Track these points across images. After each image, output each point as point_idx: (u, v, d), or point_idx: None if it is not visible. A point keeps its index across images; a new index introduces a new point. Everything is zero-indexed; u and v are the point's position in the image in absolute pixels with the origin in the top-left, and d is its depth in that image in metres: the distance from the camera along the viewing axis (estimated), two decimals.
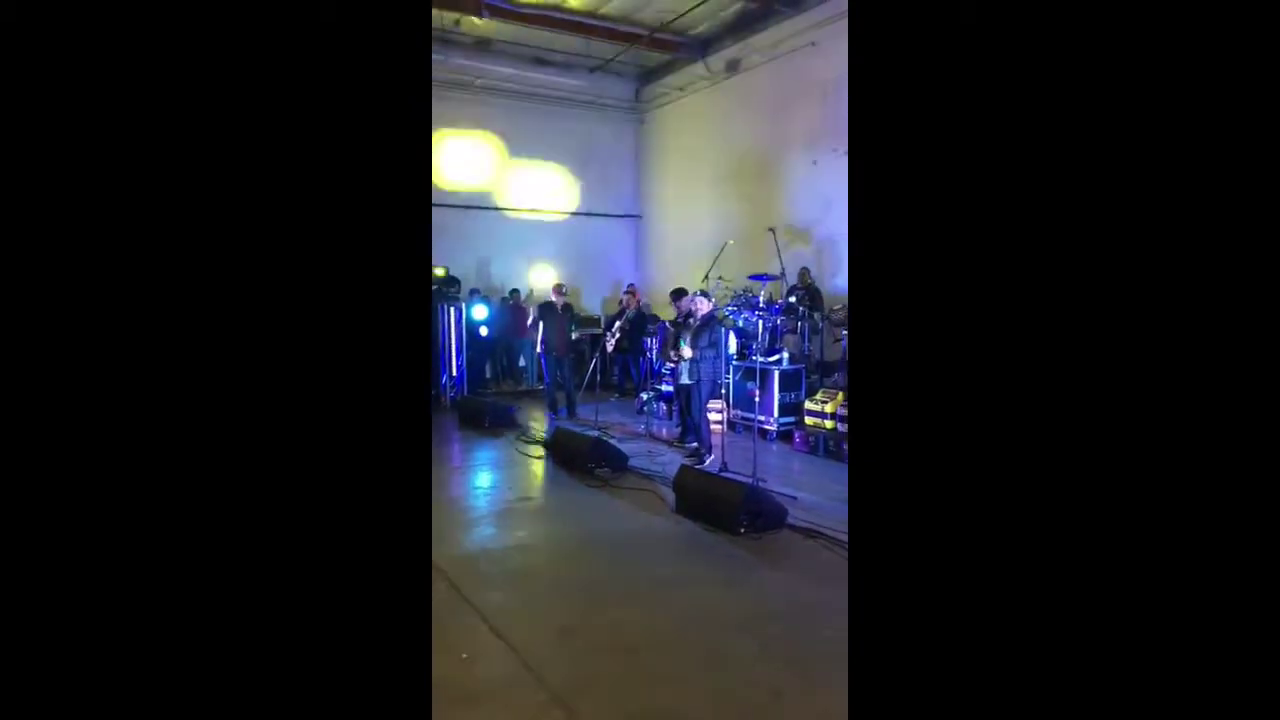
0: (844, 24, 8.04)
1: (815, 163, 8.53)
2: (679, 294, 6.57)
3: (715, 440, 6.12)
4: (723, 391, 7.00)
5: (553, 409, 8.03)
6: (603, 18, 9.38)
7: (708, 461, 5.83)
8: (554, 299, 8.06)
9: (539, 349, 8.01)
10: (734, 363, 7.14)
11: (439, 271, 9.33)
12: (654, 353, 8.38)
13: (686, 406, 6.17)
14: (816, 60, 8.46)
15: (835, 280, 8.04)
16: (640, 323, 8.88)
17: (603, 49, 10.21)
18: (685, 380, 6.02)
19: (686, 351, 5.86)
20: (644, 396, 7.94)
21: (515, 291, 10.40)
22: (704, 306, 6.05)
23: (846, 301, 6.97)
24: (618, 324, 8.49)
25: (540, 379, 9.02)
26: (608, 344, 8.24)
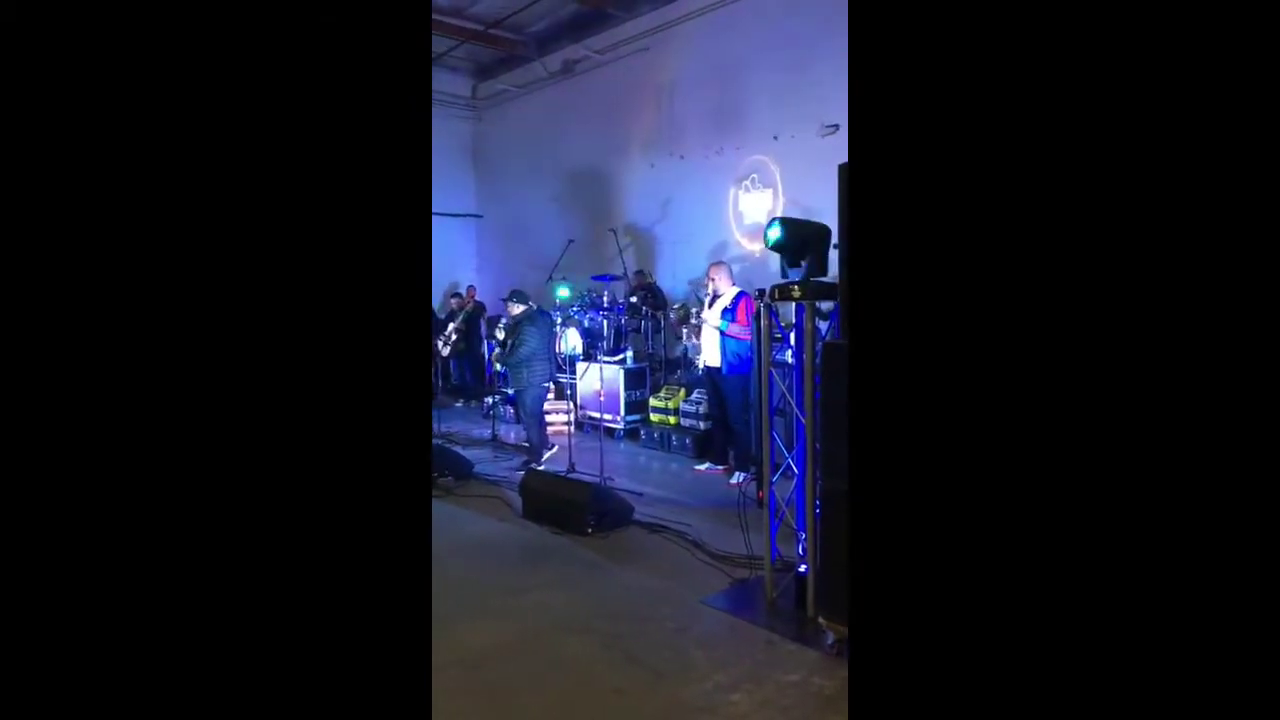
0: (675, 31, 8.33)
1: (653, 166, 8.75)
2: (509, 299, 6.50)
3: (561, 440, 6.11)
4: (569, 392, 7.02)
5: None
6: (436, 10, 9.06)
7: (545, 456, 5.83)
8: None
9: None
10: (579, 361, 7.16)
11: None
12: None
13: (519, 414, 6.09)
14: (651, 65, 8.68)
15: (675, 280, 8.29)
16: (476, 324, 8.68)
17: (436, 43, 9.87)
18: (513, 386, 5.93)
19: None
20: (490, 401, 7.78)
21: None
22: (515, 309, 5.89)
23: (685, 301, 7.23)
24: (452, 326, 8.24)
25: None
26: (441, 349, 7.97)
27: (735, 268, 7.37)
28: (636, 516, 4.37)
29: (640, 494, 4.88)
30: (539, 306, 6.22)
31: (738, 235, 7.70)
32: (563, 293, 7.64)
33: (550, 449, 5.91)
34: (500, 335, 6.25)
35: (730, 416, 5.34)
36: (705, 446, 5.96)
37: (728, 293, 5.28)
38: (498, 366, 5.87)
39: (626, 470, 5.69)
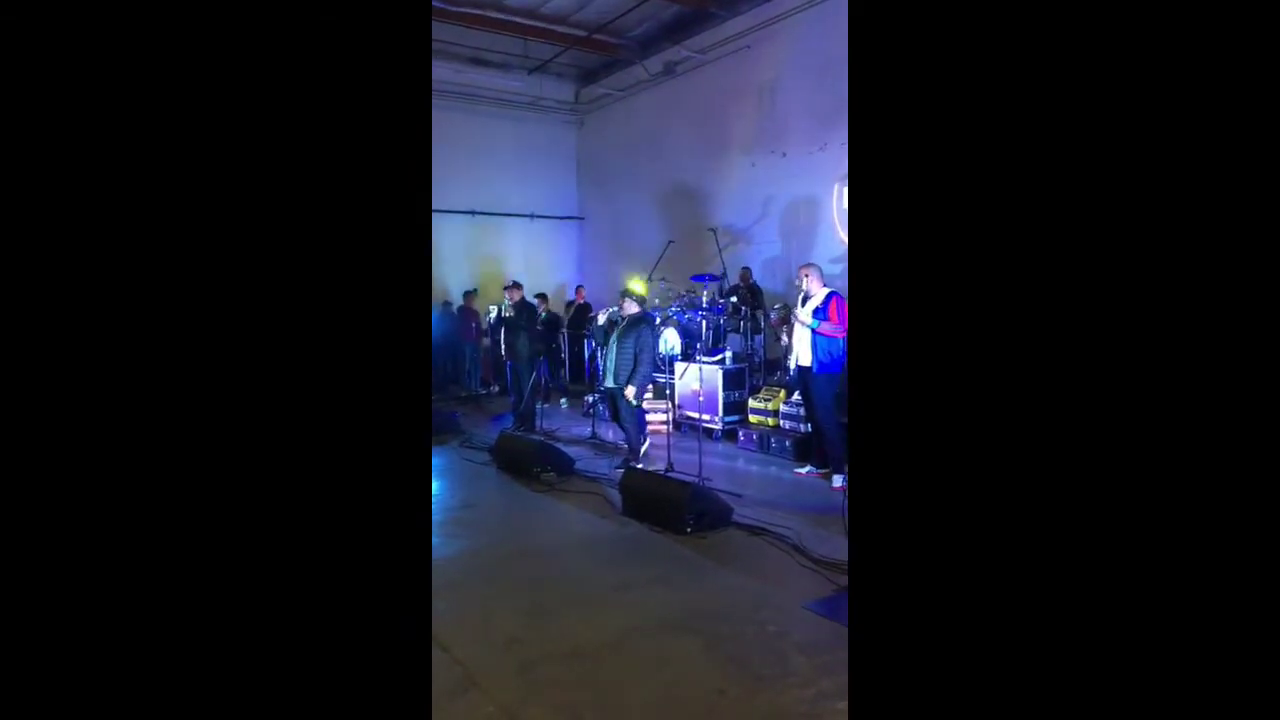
0: (777, 27, 8.21)
1: (754, 165, 8.66)
2: (626, 294, 6.55)
3: (660, 440, 6.14)
4: (667, 392, 7.05)
5: (527, 424, 7.30)
6: (541, 18, 9.34)
7: (642, 450, 5.89)
8: (517, 298, 7.53)
9: (506, 357, 7.47)
10: (678, 361, 7.17)
11: None
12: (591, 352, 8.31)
13: (615, 411, 6.08)
14: (751, 63, 8.60)
15: (775, 279, 8.17)
16: (555, 322, 8.76)
17: (541, 50, 10.16)
18: (610, 384, 5.93)
19: (629, 391, 5.73)
20: (590, 399, 7.92)
21: (471, 293, 10.17)
22: (631, 308, 5.93)
23: (785, 301, 7.11)
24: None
25: (507, 388, 8.22)
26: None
27: (840, 266, 7.21)
28: (736, 518, 4.34)
29: (739, 495, 4.84)
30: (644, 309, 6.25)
31: (842, 232, 7.51)
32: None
33: (644, 441, 5.95)
34: (602, 320, 6.23)
35: (818, 416, 5.22)
36: (806, 449, 5.84)
37: (818, 294, 5.18)
38: (608, 364, 5.86)
39: (725, 471, 5.65)
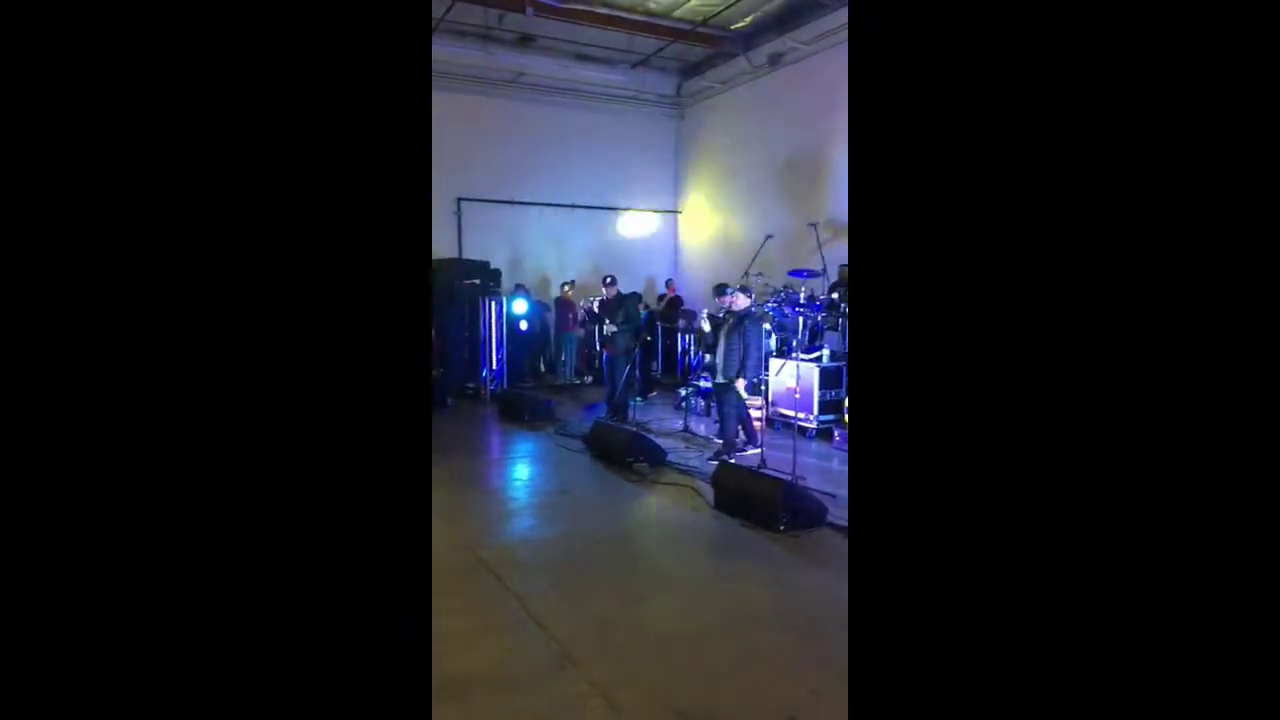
0: None
1: None
2: (720, 290, 6.52)
3: (759, 438, 6.09)
4: (762, 388, 6.97)
5: (620, 415, 7.41)
6: (646, 13, 9.38)
7: (742, 451, 5.84)
8: (613, 294, 7.62)
9: (604, 350, 7.59)
10: (773, 358, 7.08)
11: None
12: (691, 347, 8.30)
13: (721, 406, 6.11)
14: None
15: None
16: (650, 317, 8.72)
17: (645, 44, 10.21)
18: (720, 379, 5.96)
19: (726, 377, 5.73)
20: (683, 392, 7.95)
21: (569, 284, 10.37)
22: (740, 302, 5.91)
23: None
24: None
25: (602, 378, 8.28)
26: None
27: None
28: (830, 519, 4.26)
29: (833, 496, 4.74)
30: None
31: None
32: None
33: (742, 449, 5.90)
34: (706, 327, 6.26)
35: None
36: None
37: None
38: (707, 359, 5.90)
39: (818, 470, 5.55)
